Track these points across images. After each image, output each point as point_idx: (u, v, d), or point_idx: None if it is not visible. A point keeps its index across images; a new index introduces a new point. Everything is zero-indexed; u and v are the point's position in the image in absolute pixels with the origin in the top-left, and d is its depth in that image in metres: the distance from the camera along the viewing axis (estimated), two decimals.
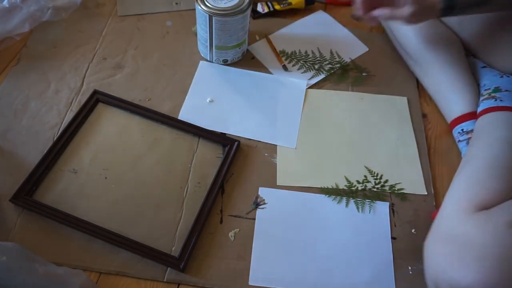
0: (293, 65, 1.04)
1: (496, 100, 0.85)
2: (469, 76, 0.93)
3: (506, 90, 0.88)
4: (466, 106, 0.89)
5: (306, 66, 1.03)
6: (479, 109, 0.86)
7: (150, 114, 0.91)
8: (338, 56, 1.05)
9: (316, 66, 1.03)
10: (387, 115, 0.97)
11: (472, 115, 0.88)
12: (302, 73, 1.02)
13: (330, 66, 1.04)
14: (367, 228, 0.81)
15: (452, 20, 0.96)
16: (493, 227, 0.62)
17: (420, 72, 1.00)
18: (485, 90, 0.91)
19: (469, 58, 0.99)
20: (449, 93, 0.92)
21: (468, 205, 0.68)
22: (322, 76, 1.02)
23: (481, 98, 0.89)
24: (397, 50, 1.06)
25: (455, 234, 0.65)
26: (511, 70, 0.91)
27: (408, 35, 0.97)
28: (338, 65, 1.04)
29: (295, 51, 1.06)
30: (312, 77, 1.01)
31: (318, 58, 1.05)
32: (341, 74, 1.03)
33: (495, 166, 0.73)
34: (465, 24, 0.95)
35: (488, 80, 0.93)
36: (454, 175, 0.79)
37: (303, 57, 1.05)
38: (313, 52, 1.06)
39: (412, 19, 0.80)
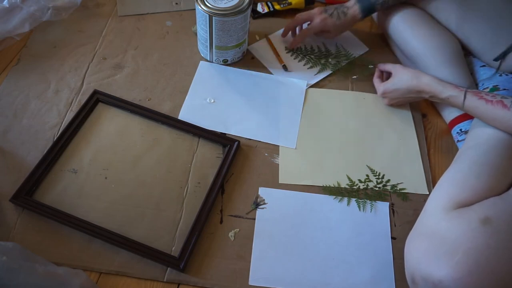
0: (299, 61, 1.04)
1: None
2: (467, 75, 0.93)
3: (504, 89, 0.88)
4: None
5: (312, 61, 1.04)
6: None
7: (150, 114, 0.91)
8: (344, 49, 1.06)
9: (322, 61, 1.04)
10: (388, 115, 0.97)
11: (470, 115, 0.88)
12: (308, 68, 1.03)
13: (336, 60, 1.04)
14: (367, 228, 0.81)
15: (450, 20, 0.96)
16: (467, 223, 0.64)
17: None
18: (484, 89, 0.91)
19: (467, 58, 0.99)
20: None
21: (448, 203, 0.69)
22: (328, 72, 1.03)
23: None
24: (395, 53, 1.07)
25: (434, 231, 0.66)
26: (510, 69, 0.91)
27: (405, 36, 0.97)
28: (344, 58, 1.05)
29: (300, 47, 1.07)
30: (318, 72, 1.02)
31: (324, 53, 1.05)
32: (347, 69, 1.04)
33: (478, 164, 0.74)
34: (463, 23, 0.95)
35: (487, 79, 0.93)
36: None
37: (308, 52, 1.06)
38: (318, 48, 1.07)
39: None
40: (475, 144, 0.78)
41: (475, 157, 0.75)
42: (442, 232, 0.65)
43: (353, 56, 1.06)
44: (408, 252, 0.68)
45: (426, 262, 0.63)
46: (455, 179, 0.73)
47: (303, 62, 1.04)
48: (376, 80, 0.97)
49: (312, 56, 1.05)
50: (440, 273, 0.61)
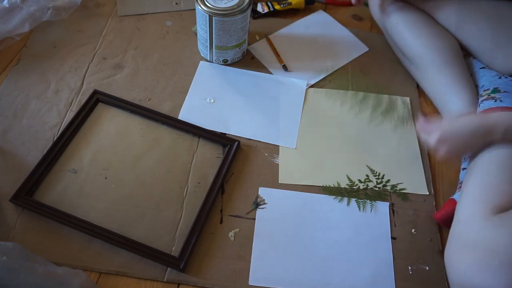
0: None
1: (496, 101, 0.85)
2: (467, 77, 0.93)
3: (505, 91, 0.88)
4: (465, 107, 0.89)
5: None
6: (479, 110, 0.86)
7: (150, 114, 0.91)
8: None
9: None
10: (389, 115, 0.97)
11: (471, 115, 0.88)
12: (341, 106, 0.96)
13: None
14: (367, 228, 0.81)
15: (450, 21, 0.96)
16: None
17: (418, 74, 1.00)
18: (484, 90, 0.90)
19: (467, 59, 0.99)
20: (447, 95, 0.92)
21: (484, 209, 0.67)
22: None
23: (480, 99, 0.89)
24: (396, 53, 1.07)
25: (477, 241, 0.64)
26: (510, 71, 0.91)
27: (405, 37, 0.97)
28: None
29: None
30: (357, 114, 0.94)
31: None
32: (375, 104, 0.97)
33: (506, 169, 0.72)
34: (463, 24, 0.95)
35: (487, 81, 0.93)
36: (464, 179, 0.78)
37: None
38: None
39: None
40: (494, 147, 0.75)
41: (499, 162, 0.73)
42: (490, 242, 0.62)
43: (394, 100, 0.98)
44: (453, 266, 0.65)
45: (478, 276, 0.60)
46: (485, 185, 0.71)
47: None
48: (422, 125, 0.78)
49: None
50: (498, 287, 0.58)
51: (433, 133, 0.75)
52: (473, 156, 0.79)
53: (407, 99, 1.00)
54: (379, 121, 0.96)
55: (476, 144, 0.74)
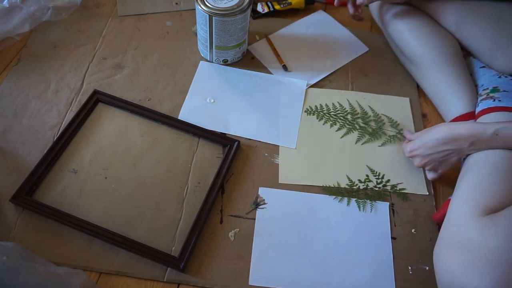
0: (323, 123, 0.95)
1: (494, 101, 0.85)
2: (466, 76, 0.93)
3: (504, 91, 0.88)
4: (464, 107, 0.89)
5: (334, 120, 0.95)
6: (478, 109, 0.86)
7: (150, 114, 0.91)
8: (372, 110, 0.97)
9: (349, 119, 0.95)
10: (389, 115, 0.97)
11: (470, 116, 0.88)
12: (336, 131, 0.94)
13: (364, 122, 0.95)
14: (367, 228, 0.81)
15: (450, 21, 0.96)
16: (504, 232, 0.62)
17: (418, 74, 1.00)
18: (483, 90, 0.90)
19: (467, 58, 0.99)
20: (447, 94, 0.92)
21: (475, 210, 0.67)
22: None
23: (480, 98, 0.89)
24: (396, 53, 1.07)
25: (466, 241, 0.64)
26: (510, 70, 0.91)
27: (405, 37, 0.97)
28: (373, 121, 0.95)
29: (321, 105, 0.97)
30: (345, 134, 0.93)
31: (349, 111, 0.97)
32: (371, 133, 0.93)
33: (498, 170, 0.72)
34: (464, 24, 0.95)
35: (486, 80, 0.93)
36: (457, 180, 0.79)
37: (325, 111, 0.96)
38: (340, 104, 0.98)
39: None
40: (491, 149, 0.76)
41: (492, 163, 0.73)
42: (478, 242, 0.63)
43: (381, 118, 0.95)
44: (441, 266, 0.66)
45: (465, 275, 0.61)
46: (476, 186, 0.71)
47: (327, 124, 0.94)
48: (403, 144, 0.89)
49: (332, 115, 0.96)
50: (484, 287, 0.58)
51: (406, 147, 0.85)
52: (466, 157, 0.80)
53: (407, 99, 1.00)
54: (379, 121, 0.96)
55: (450, 149, 0.78)
